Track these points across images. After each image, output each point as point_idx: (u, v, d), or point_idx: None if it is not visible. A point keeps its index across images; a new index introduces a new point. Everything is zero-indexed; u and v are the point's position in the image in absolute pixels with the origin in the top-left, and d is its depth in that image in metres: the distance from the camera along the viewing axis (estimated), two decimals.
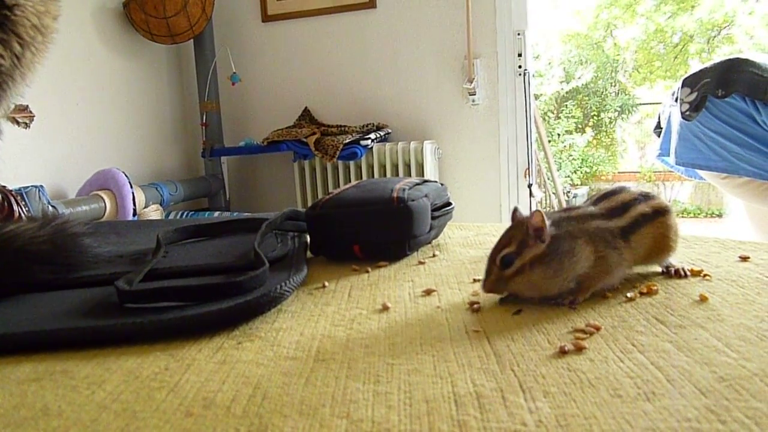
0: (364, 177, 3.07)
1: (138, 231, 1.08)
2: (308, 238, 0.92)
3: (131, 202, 2.86)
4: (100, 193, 2.82)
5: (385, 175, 3.05)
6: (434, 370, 0.52)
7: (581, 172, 5.84)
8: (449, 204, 0.98)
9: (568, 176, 5.61)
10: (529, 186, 3.12)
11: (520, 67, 3.10)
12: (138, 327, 0.60)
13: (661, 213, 0.74)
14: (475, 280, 0.76)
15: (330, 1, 3.28)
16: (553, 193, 4.29)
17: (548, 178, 4.16)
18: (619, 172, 6.30)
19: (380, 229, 0.84)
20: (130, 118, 3.20)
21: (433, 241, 0.97)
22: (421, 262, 0.85)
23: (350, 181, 3.09)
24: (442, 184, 0.99)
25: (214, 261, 0.82)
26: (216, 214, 3.19)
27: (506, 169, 3.11)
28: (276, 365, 0.54)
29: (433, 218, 0.90)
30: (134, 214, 2.89)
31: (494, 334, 0.60)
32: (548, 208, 4.19)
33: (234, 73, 3.33)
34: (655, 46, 6.75)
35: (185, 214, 3.25)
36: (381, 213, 0.83)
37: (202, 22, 3.22)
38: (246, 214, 2.69)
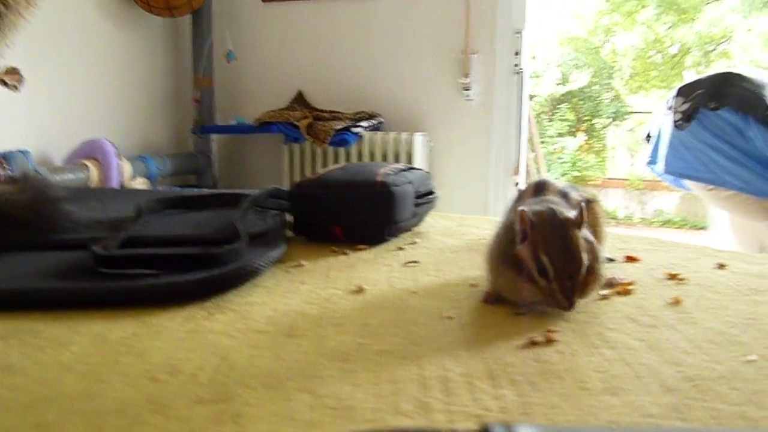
0: None
1: (121, 199, 1.07)
2: (290, 217, 0.92)
3: (117, 173, 2.84)
4: (86, 162, 2.79)
5: None
6: (403, 351, 0.52)
7: (570, 176, 5.86)
8: (433, 192, 0.98)
9: (557, 179, 5.62)
10: (517, 185, 3.13)
11: (516, 65, 3.09)
12: (110, 291, 0.60)
13: (590, 202, 0.74)
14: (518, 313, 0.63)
15: None
16: None
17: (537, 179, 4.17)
18: (607, 178, 6.32)
19: (362, 211, 0.83)
20: (122, 89, 3.17)
21: (415, 228, 0.97)
22: (400, 248, 0.85)
23: None
24: (427, 173, 0.99)
25: (192, 232, 0.81)
26: (203, 191, 3.18)
27: (495, 166, 3.11)
28: (246, 338, 0.54)
29: (415, 205, 0.90)
30: (120, 185, 2.86)
31: (467, 321, 0.60)
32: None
33: (230, 50, 3.31)
34: (652, 55, 6.76)
35: (172, 189, 3.23)
36: (364, 196, 0.83)
37: None
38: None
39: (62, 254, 0.74)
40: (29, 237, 0.76)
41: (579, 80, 6.37)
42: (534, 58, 5.95)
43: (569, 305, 0.59)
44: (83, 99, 2.91)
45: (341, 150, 3.11)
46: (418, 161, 2.99)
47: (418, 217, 0.93)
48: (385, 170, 0.88)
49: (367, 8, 3.24)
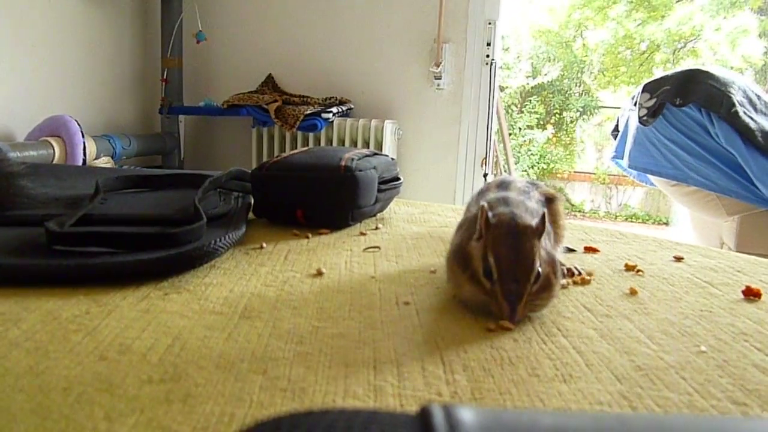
0: None
1: (79, 177, 1.05)
2: (252, 200, 0.91)
3: (81, 151, 2.78)
4: (49, 139, 2.73)
5: None
6: (359, 335, 0.52)
7: (538, 168, 5.91)
8: (398, 179, 0.98)
9: (525, 171, 5.67)
10: (485, 176, 3.14)
11: (488, 56, 3.10)
12: (63, 269, 0.59)
13: (551, 200, 0.75)
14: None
15: None
16: None
17: (505, 170, 4.20)
18: (575, 172, 6.39)
19: (325, 196, 0.83)
20: (88, 66, 3.10)
21: (378, 214, 0.97)
22: (362, 233, 0.85)
23: None
24: (392, 159, 0.99)
25: (151, 212, 0.80)
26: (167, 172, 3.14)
27: (464, 156, 3.12)
28: (200, 318, 0.54)
29: (379, 191, 0.89)
30: (84, 164, 2.81)
31: (424, 307, 0.60)
32: None
33: (200, 30, 3.26)
34: (622, 51, 6.83)
35: (137, 169, 3.19)
36: (327, 180, 0.83)
37: None
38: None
39: (16, 230, 0.72)
40: None
41: (550, 73, 6.42)
42: (506, 50, 5.97)
43: (511, 312, 0.54)
44: (47, 74, 2.85)
45: (310, 135, 3.09)
46: (388, 149, 2.99)
47: (381, 203, 0.93)
48: (350, 155, 0.87)
49: None
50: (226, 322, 0.53)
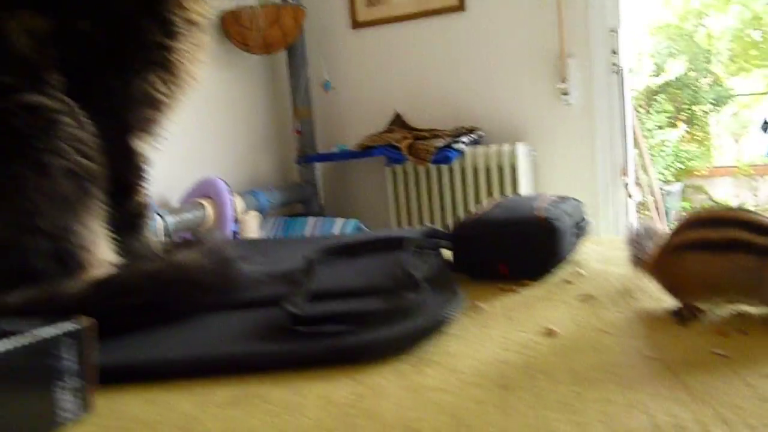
0: (458, 181, 3.08)
1: (279, 249, 1.13)
2: (449, 255, 0.94)
3: (231, 209, 2.97)
4: (201, 200, 2.93)
5: (477, 178, 3.06)
6: (624, 398, 0.53)
7: (674, 168, 5.65)
8: (585, 221, 0.98)
9: (661, 173, 5.45)
10: (626, 186, 3.06)
11: (614, 64, 3.04)
12: (322, 353, 0.63)
13: None
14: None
15: (418, 5, 3.30)
16: (649, 190, 4.18)
17: (643, 177, 4.06)
18: (714, 167, 6.07)
19: (526, 248, 0.85)
20: (227, 126, 3.31)
21: (570, 257, 0.97)
22: (567, 282, 0.85)
23: (442, 185, 3.10)
24: (578, 201, 1.00)
25: (365, 282, 0.84)
26: (310, 219, 3.27)
27: (602, 169, 3.05)
28: (463, 392, 0.56)
29: (573, 236, 0.90)
30: (234, 220, 2.99)
31: (672, 360, 0.60)
32: (646, 211, 4.09)
33: (326, 80, 3.41)
34: (750, 34, 6.46)
35: (281, 219, 3.35)
36: (527, 233, 0.85)
37: (294, 33, 3.30)
38: (383, 230, 2.73)
39: (250, 313, 0.79)
40: (215, 299, 0.82)
41: (674, 69, 6.16)
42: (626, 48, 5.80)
43: None
44: (193, 140, 3.06)
45: (444, 167, 3.13)
46: (522, 172, 2.98)
47: (573, 248, 0.93)
48: (542, 204, 0.89)
49: (455, 23, 3.26)
50: (489, 394, 0.55)
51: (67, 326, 0.60)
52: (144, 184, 0.97)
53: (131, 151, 0.94)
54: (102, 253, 0.83)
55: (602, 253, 1.00)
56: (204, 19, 0.97)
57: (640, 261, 0.78)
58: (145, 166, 0.97)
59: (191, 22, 0.95)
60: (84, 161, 0.81)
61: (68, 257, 0.79)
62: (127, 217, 0.91)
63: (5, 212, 0.76)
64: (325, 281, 0.86)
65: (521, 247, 0.85)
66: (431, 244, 0.96)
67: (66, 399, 0.57)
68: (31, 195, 0.77)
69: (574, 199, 0.99)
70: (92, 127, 0.85)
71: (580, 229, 0.95)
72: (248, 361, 0.64)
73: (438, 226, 2.81)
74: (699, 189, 5.85)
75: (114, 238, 0.88)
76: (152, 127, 0.97)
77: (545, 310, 0.75)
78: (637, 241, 0.80)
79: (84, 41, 0.86)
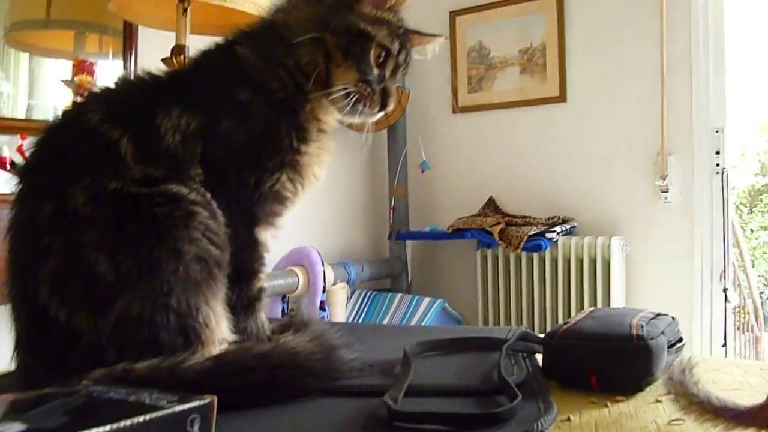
0: (548, 270, 3.07)
1: (375, 335, 1.19)
2: (540, 361, 0.97)
3: (322, 279, 3.06)
4: (294, 268, 3.05)
5: (569, 269, 3.04)
6: None
7: None
8: (681, 340, 0.99)
9: (762, 275, 5.21)
10: (725, 290, 2.96)
11: (717, 165, 3.00)
12: None
13: None
14: None
15: (521, 94, 3.39)
16: (747, 293, 4.01)
17: (743, 279, 3.91)
18: None
19: (619, 364, 0.87)
20: (326, 199, 3.45)
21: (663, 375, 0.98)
22: (658, 401, 0.86)
23: (532, 273, 3.09)
24: (674, 319, 1.01)
25: (460, 382, 0.89)
26: (397, 296, 3.32)
27: (699, 271, 2.98)
28: None
29: (668, 355, 0.92)
30: (324, 290, 3.08)
31: None
32: (744, 314, 3.91)
33: (424, 161, 3.51)
34: None
35: (368, 293, 3.42)
36: (621, 350, 0.87)
37: (397, 114, 3.45)
38: (475, 328, 2.76)
39: (352, 402, 0.84)
40: (320, 384, 0.88)
41: None
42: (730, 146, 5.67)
43: None
44: (294, 211, 3.20)
45: (535, 255, 3.14)
46: (615, 266, 2.95)
47: (668, 366, 0.94)
48: (637, 320, 0.91)
49: (556, 112, 3.32)
50: None
51: (197, 402, 0.67)
52: (263, 270, 1.05)
53: (256, 242, 1.03)
54: (221, 332, 0.91)
55: (695, 373, 1.00)
56: (332, 128, 1.07)
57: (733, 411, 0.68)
58: (265, 254, 1.05)
59: (322, 131, 1.05)
60: (213, 249, 0.90)
61: (192, 333, 0.87)
62: (245, 300, 1.00)
63: (143, 290, 0.85)
64: (422, 377, 0.90)
65: (614, 362, 0.87)
66: (524, 347, 0.99)
67: None
68: (165, 276, 0.86)
69: (671, 317, 1.00)
70: (223, 218, 0.94)
71: (676, 348, 0.96)
72: None
73: (525, 315, 2.78)
74: None
75: (232, 318, 0.96)
76: (276, 220, 1.06)
77: (634, 430, 0.77)
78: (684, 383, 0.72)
79: (226, 139, 0.97)
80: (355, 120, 1.05)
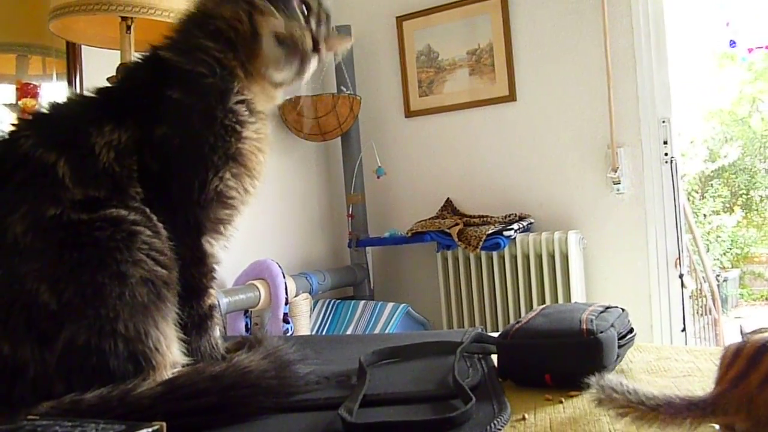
0: (508, 267, 3.09)
1: (331, 347, 1.18)
2: (495, 361, 0.97)
3: (284, 291, 3.04)
4: (255, 282, 3.01)
5: (528, 265, 3.07)
6: None
7: (731, 254, 5.54)
8: (632, 330, 1.01)
9: (717, 259, 5.35)
10: (681, 276, 3.02)
11: (666, 154, 3.06)
12: None
13: None
14: None
15: (471, 95, 3.41)
16: (703, 278, 4.11)
17: (698, 263, 4.00)
18: None
19: (571, 360, 0.88)
20: (283, 210, 3.43)
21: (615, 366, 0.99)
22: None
23: (492, 271, 3.11)
24: (624, 311, 1.02)
25: (415, 389, 0.88)
26: (361, 303, 3.31)
27: (655, 258, 3.03)
28: None
29: (618, 346, 0.93)
30: (286, 302, 3.06)
31: None
32: (701, 298, 4.01)
33: (379, 166, 3.51)
34: None
35: (331, 302, 3.40)
36: (572, 345, 0.88)
37: (349, 121, 3.44)
38: (432, 332, 2.74)
39: (307, 417, 0.83)
40: (275, 402, 0.86)
41: (730, 154, 6.12)
42: (678, 135, 5.81)
43: None
44: (249, 223, 3.16)
45: (494, 253, 3.16)
46: (573, 260, 2.98)
47: (620, 358, 0.96)
48: (586, 315, 0.92)
49: (507, 112, 3.35)
50: None
51: (145, 429, 0.66)
52: (214, 286, 1.03)
53: (204, 254, 1.01)
54: (172, 355, 0.90)
55: (649, 362, 1.02)
56: (266, 108, 1.05)
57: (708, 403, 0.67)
58: (215, 267, 1.04)
59: (256, 112, 1.03)
60: (160, 270, 0.88)
61: (143, 359, 0.86)
62: (196, 318, 0.98)
63: (88, 318, 0.83)
64: (378, 386, 0.90)
65: (566, 358, 0.88)
66: (479, 348, 1.00)
67: None
68: (111, 302, 0.84)
69: (620, 309, 1.02)
70: (166, 232, 0.92)
71: (626, 339, 0.98)
72: None
73: (488, 314, 2.77)
74: (758, 275, 5.70)
75: (183, 339, 0.94)
76: (224, 227, 1.04)
77: (589, 425, 0.77)
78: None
79: (162, 147, 0.95)
80: (291, 75, 1.03)
